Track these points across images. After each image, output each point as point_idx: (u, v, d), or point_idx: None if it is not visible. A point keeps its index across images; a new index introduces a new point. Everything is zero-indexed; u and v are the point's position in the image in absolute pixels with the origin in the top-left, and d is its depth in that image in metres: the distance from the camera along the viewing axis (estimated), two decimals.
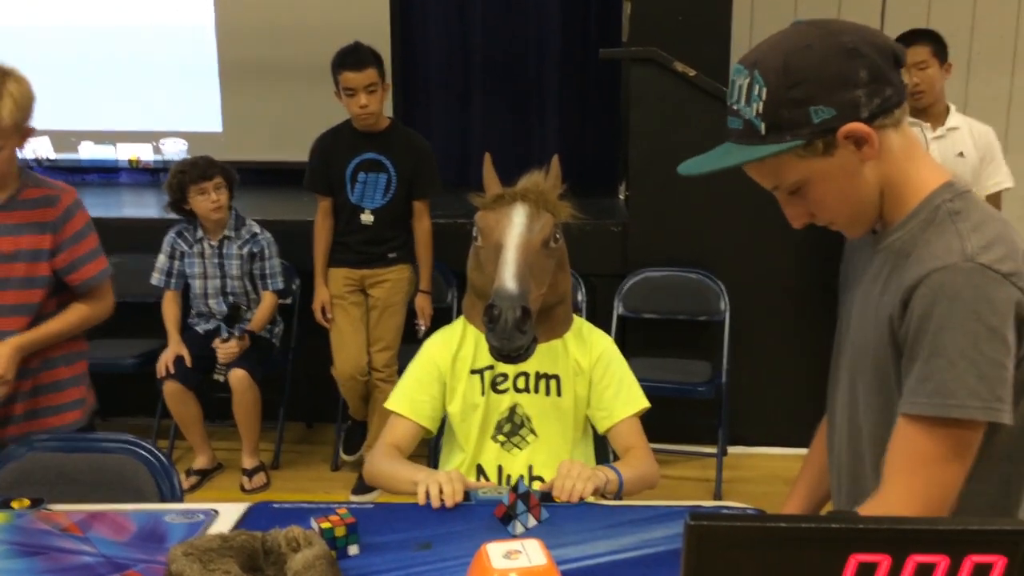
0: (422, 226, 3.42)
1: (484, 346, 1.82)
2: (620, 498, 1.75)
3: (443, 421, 1.91)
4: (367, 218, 3.39)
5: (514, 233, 1.69)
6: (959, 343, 1.09)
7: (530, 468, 1.80)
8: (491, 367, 1.83)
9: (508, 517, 1.52)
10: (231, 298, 3.55)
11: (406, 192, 3.38)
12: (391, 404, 1.85)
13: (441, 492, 1.58)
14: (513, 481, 1.77)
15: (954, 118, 3.42)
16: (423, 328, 3.45)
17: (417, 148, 3.40)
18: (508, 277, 1.63)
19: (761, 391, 3.74)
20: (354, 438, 3.65)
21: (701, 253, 3.65)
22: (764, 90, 1.13)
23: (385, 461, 1.78)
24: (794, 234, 4.03)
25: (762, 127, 1.15)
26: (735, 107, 1.18)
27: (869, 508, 1.17)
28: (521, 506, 1.52)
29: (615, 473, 1.68)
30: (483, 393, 1.83)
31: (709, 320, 3.63)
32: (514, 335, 1.60)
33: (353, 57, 3.24)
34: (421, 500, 1.59)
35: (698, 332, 3.69)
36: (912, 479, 1.13)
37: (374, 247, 3.41)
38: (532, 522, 1.52)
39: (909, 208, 1.19)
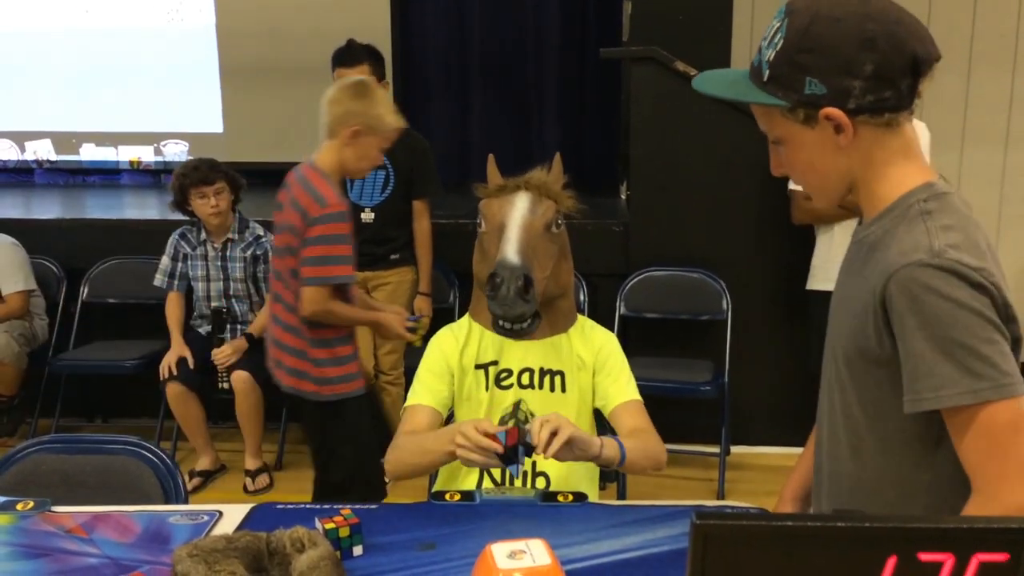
0: (421, 226, 3.42)
1: (489, 342, 1.84)
2: (623, 470, 1.74)
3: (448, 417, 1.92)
4: (367, 216, 3.39)
5: (516, 215, 1.74)
6: (958, 334, 1.09)
7: (534, 464, 1.80)
8: (495, 362, 1.84)
9: (508, 459, 1.52)
10: (232, 301, 3.55)
11: (405, 190, 3.39)
12: (410, 400, 1.84)
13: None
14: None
15: None
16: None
17: (415, 147, 3.39)
18: (510, 251, 1.67)
19: (763, 390, 3.74)
20: None
21: (703, 252, 3.65)
22: (782, 41, 1.17)
23: (409, 443, 1.75)
24: (795, 233, 4.01)
25: (766, 73, 1.19)
26: (761, 43, 1.22)
27: (973, 508, 1.14)
28: (519, 450, 1.52)
29: (617, 445, 1.64)
30: (487, 388, 1.84)
31: (711, 319, 3.63)
32: (516, 302, 1.63)
33: (346, 53, 3.32)
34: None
35: (700, 331, 3.69)
36: (1000, 465, 1.11)
37: (376, 247, 3.41)
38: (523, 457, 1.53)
39: (885, 203, 1.22)
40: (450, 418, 1.92)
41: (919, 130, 3.29)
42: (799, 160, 1.23)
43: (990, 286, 1.11)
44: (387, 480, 3.45)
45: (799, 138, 1.20)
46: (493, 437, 1.52)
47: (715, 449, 3.53)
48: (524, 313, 1.65)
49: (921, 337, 1.11)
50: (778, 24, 1.18)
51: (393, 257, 3.43)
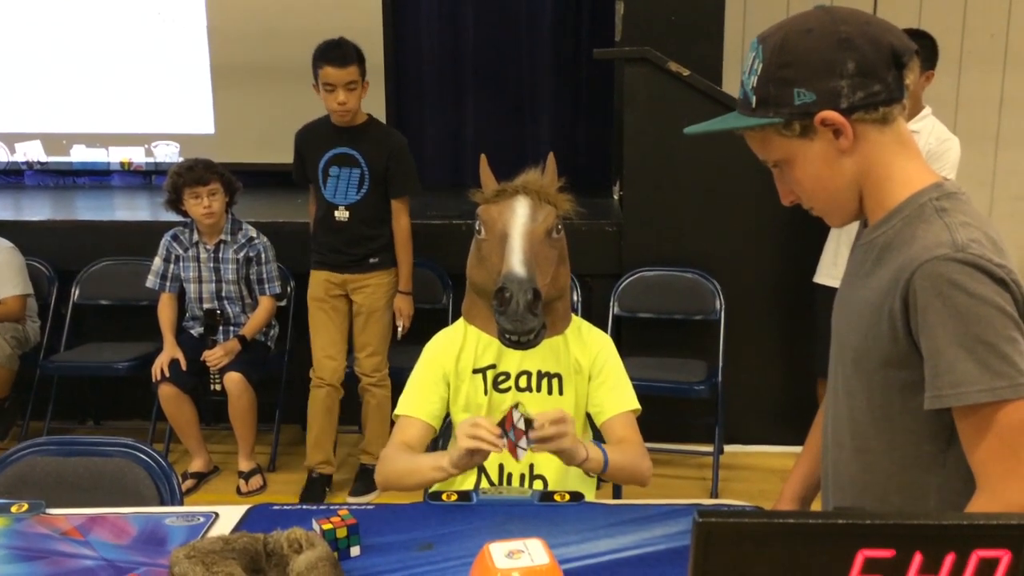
0: (399, 225, 3.35)
1: (486, 346, 1.83)
2: (604, 477, 1.75)
3: (445, 422, 1.91)
4: (341, 215, 3.32)
5: (518, 222, 1.72)
6: (981, 331, 1.10)
7: (531, 467, 1.80)
8: (493, 366, 1.84)
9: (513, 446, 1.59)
10: (225, 302, 3.55)
11: (381, 190, 3.31)
12: (400, 409, 1.84)
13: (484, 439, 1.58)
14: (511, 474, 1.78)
15: (922, 122, 3.19)
16: (402, 329, 3.43)
17: (390, 145, 3.32)
18: (516, 262, 1.66)
19: (757, 390, 3.75)
20: (316, 489, 3.44)
21: (696, 252, 3.66)
22: (761, 65, 1.19)
23: (401, 458, 1.76)
24: (788, 233, 4.02)
25: (753, 100, 1.21)
26: (742, 77, 1.24)
27: (977, 505, 1.15)
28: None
29: (600, 452, 1.67)
30: (485, 392, 1.83)
31: (705, 319, 3.64)
32: (526, 317, 1.62)
33: (336, 52, 3.18)
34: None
35: (694, 331, 3.69)
36: (1007, 463, 1.12)
37: (354, 248, 3.34)
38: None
39: (892, 204, 1.21)
40: (447, 428, 1.92)
41: (953, 145, 3.24)
42: (806, 177, 1.23)
43: (1011, 283, 1.12)
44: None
45: (801, 153, 1.21)
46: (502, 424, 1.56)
47: (709, 448, 3.54)
48: (534, 327, 1.65)
49: (943, 333, 1.11)
50: (753, 54, 1.21)
51: (372, 260, 3.36)
